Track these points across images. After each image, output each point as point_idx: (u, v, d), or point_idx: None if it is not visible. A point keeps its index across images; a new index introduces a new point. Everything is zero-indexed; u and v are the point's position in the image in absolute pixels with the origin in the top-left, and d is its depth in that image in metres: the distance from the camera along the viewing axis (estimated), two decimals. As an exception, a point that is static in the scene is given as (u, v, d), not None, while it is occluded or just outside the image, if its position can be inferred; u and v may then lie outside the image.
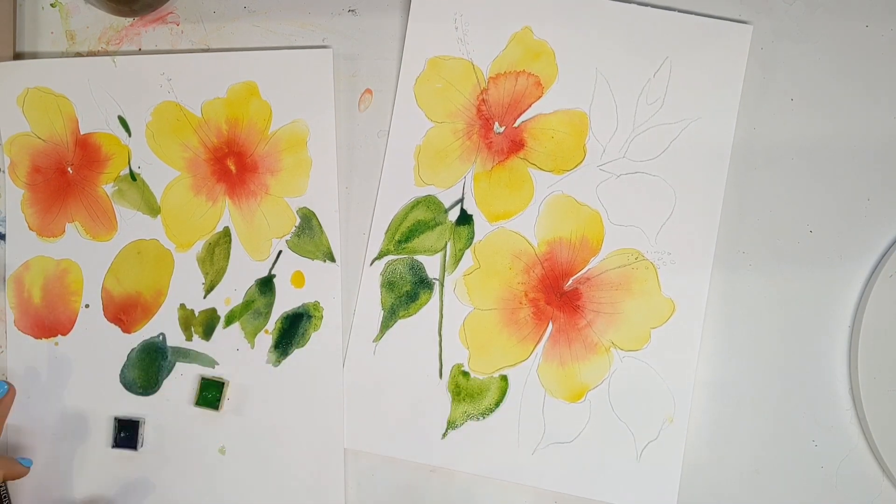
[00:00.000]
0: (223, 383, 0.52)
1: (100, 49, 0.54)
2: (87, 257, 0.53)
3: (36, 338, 0.53)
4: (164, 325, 0.53)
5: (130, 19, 0.54)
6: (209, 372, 0.52)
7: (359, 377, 0.52)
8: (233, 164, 0.53)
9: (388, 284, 0.52)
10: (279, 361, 0.52)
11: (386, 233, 0.52)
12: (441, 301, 0.52)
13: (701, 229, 0.51)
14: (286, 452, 0.52)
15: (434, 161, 0.52)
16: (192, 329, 0.53)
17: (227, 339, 0.53)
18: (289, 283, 0.53)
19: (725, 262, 0.52)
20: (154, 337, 0.53)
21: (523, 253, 0.52)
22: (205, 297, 0.53)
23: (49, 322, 0.53)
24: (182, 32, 0.53)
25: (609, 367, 0.51)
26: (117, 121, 0.53)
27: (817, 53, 0.53)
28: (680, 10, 0.52)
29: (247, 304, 0.53)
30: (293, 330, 0.52)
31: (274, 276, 0.53)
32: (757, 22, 0.53)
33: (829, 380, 0.52)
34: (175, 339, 0.53)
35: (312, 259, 0.53)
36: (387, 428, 0.52)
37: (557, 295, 0.52)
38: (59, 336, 0.53)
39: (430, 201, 0.52)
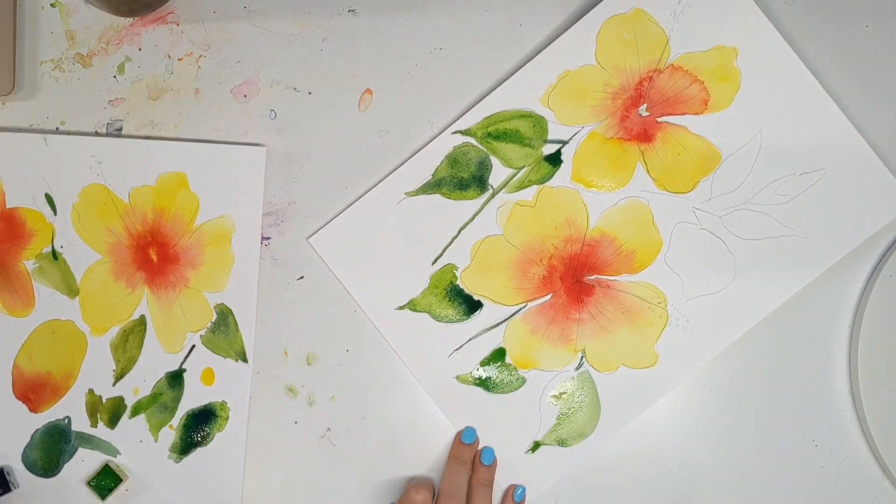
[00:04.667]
0: (121, 480, 0.51)
1: (100, 49, 0.54)
2: (1, 331, 0.52)
3: None
4: (70, 408, 0.52)
5: (130, 19, 0.54)
6: (118, 461, 0.52)
7: (369, 216, 0.52)
8: (155, 254, 0.52)
9: (453, 159, 0.52)
10: (180, 459, 0.52)
11: (485, 118, 0.51)
12: (482, 208, 0.52)
13: (729, 323, 0.51)
14: None
15: (570, 94, 0.51)
16: (99, 416, 0.52)
17: (131, 430, 0.52)
18: (198, 380, 0.52)
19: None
20: (60, 419, 0.52)
21: (577, 224, 0.51)
22: (114, 385, 0.52)
23: (-43, 393, 0.52)
24: (182, 32, 0.53)
25: (566, 365, 0.51)
26: (44, 198, 0.52)
27: (817, 53, 0.53)
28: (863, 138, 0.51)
29: (154, 397, 0.52)
30: (197, 428, 0.52)
31: (184, 370, 0.52)
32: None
33: (829, 380, 0.52)
34: (80, 423, 0.52)
35: (225, 357, 0.52)
36: (360, 279, 0.52)
37: (574, 278, 0.51)
38: None
39: (539, 122, 0.51)
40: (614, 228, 0.51)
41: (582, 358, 0.51)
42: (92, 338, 0.52)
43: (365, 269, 0.52)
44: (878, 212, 0.51)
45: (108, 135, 0.53)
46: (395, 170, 0.52)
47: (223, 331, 0.52)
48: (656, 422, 0.52)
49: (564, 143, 0.51)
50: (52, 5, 0.54)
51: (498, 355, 0.51)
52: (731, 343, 0.51)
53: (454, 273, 0.52)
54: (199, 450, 0.52)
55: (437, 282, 0.52)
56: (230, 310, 0.52)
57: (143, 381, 0.52)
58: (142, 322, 0.52)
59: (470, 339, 0.52)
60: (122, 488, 0.51)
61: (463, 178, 0.52)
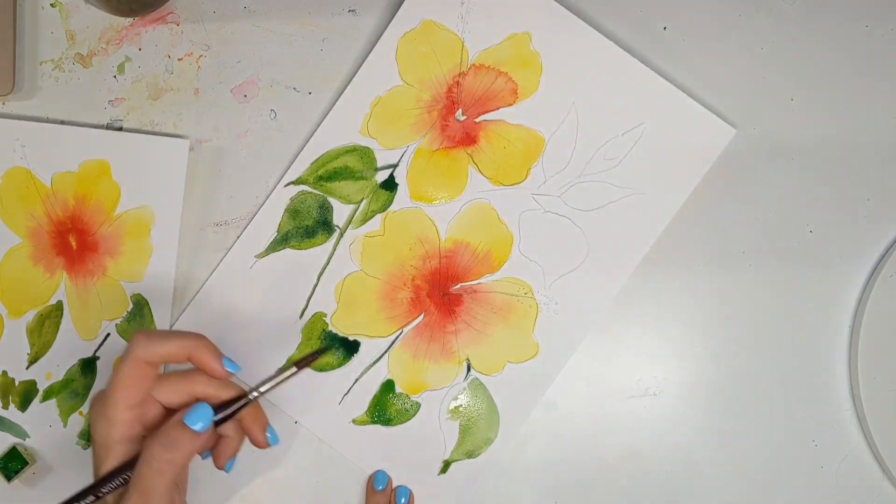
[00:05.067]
0: (28, 463, 0.51)
1: (100, 49, 0.54)
2: None
3: None
4: None
5: (130, 19, 0.54)
6: (26, 443, 0.52)
7: (225, 286, 0.52)
8: (74, 241, 0.52)
9: (293, 212, 0.52)
10: (88, 445, 0.51)
11: (312, 163, 0.52)
12: (334, 250, 0.52)
13: (596, 296, 0.51)
14: None
15: (387, 118, 0.52)
16: (10, 398, 0.52)
17: (41, 414, 0.52)
18: (111, 368, 0.52)
19: (725, 262, 0.52)
20: None
21: (429, 241, 0.52)
22: (27, 368, 0.52)
23: None
24: (182, 32, 0.53)
25: (455, 377, 0.52)
26: None
27: (817, 53, 0.53)
28: (677, 85, 0.51)
29: (66, 382, 0.52)
30: None
31: (98, 357, 0.52)
32: (757, 22, 0.53)
33: (829, 380, 0.52)
34: None
35: None
36: (232, 347, 0.51)
37: (440, 293, 0.52)
38: None
39: (365, 153, 0.52)
40: (464, 234, 0.52)
41: (468, 367, 0.52)
42: (9, 320, 0.52)
43: (237, 340, 0.52)
44: (706, 149, 0.51)
45: (32, 119, 0.53)
46: (238, 237, 0.52)
47: (138, 321, 0.52)
48: (656, 422, 0.52)
49: (394, 166, 0.52)
50: (52, 5, 0.54)
51: (387, 388, 0.52)
52: (602, 314, 0.51)
53: (324, 320, 0.52)
54: None
55: (310, 333, 0.52)
56: (146, 300, 0.52)
57: (56, 366, 0.52)
58: (58, 307, 0.52)
59: (356, 381, 0.52)
60: (28, 471, 0.51)
61: (308, 226, 0.52)
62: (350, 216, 0.52)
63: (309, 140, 0.52)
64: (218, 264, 0.52)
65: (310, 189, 0.52)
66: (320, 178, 0.52)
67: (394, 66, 0.52)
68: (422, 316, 0.52)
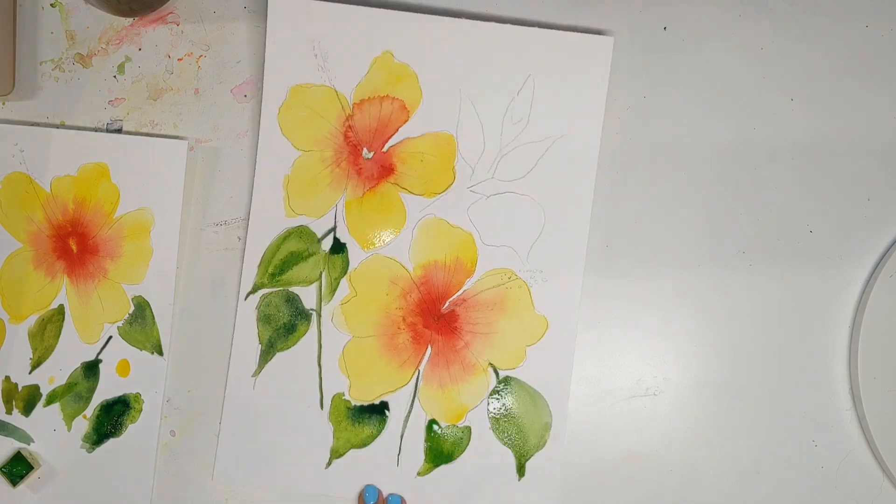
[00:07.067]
0: (33, 467, 0.51)
1: (100, 49, 0.54)
2: None
3: None
4: None
5: (130, 19, 0.54)
6: (31, 448, 0.52)
7: (239, 413, 0.51)
8: (74, 244, 0.52)
9: (265, 318, 0.52)
10: (93, 448, 0.52)
11: (259, 266, 0.52)
12: (319, 331, 0.52)
13: (570, 246, 0.51)
14: None
15: (304, 190, 0.52)
16: (14, 403, 0.52)
17: (45, 419, 0.52)
18: (114, 371, 0.52)
19: (725, 262, 0.52)
20: None
21: (399, 278, 0.52)
22: (30, 373, 0.52)
23: None
24: (182, 32, 0.53)
25: (488, 386, 0.51)
26: None
27: (817, 53, 0.53)
28: (541, 26, 0.51)
29: (69, 386, 0.52)
30: (110, 418, 0.52)
31: (100, 361, 0.52)
32: (757, 22, 0.53)
33: (829, 380, 0.52)
34: None
35: (140, 349, 0.52)
36: (269, 460, 0.51)
37: (435, 318, 0.52)
38: None
39: (302, 231, 0.52)
40: (428, 256, 0.52)
41: (494, 371, 0.52)
42: (10, 325, 0.52)
43: (277, 452, 0.51)
44: (596, 66, 0.51)
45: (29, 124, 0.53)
46: (227, 368, 0.52)
47: (140, 323, 0.52)
48: (656, 422, 0.52)
49: (333, 229, 0.52)
50: (52, 5, 0.54)
51: (432, 428, 0.51)
52: (586, 252, 0.51)
53: (344, 399, 0.52)
54: (111, 440, 0.52)
55: (338, 417, 0.51)
56: (147, 302, 0.52)
57: (59, 370, 0.52)
58: (60, 311, 0.52)
59: (402, 437, 0.51)
60: (33, 475, 0.52)
61: (286, 324, 0.52)
62: (318, 294, 0.52)
63: (245, 246, 0.52)
64: (223, 401, 0.52)
65: (269, 290, 0.52)
66: (273, 275, 0.52)
67: (285, 141, 0.52)
68: (429, 347, 0.52)
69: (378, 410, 0.51)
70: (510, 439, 0.51)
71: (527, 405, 0.51)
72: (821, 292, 0.52)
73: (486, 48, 0.51)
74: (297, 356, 0.52)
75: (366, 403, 0.52)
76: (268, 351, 0.52)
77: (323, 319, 0.52)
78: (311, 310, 0.52)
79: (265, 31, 0.51)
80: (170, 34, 0.53)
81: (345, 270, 0.52)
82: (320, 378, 0.52)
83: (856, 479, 0.52)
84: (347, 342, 0.52)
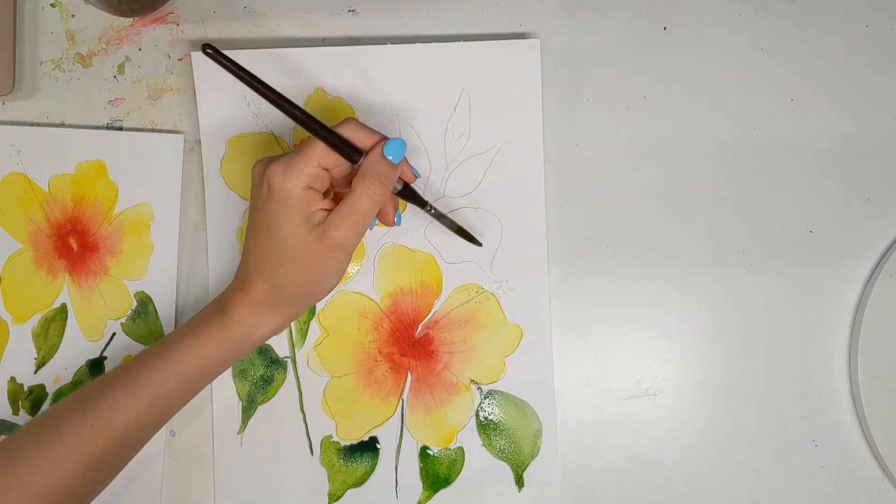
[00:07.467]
0: None
1: (100, 49, 0.54)
2: None
3: None
4: None
5: (130, 19, 0.54)
6: None
7: (231, 473, 0.51)
8: (75, 242, 0.52)
9: (240, 374, 0.52)
10: None
11: None
12: (297, 377, 0.52)
13: (531, 249, 0.52)
14: None
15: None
16: (20, 403, 0.52)
17: None
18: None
19: (725, 262, 0.52)
20: None
21: (368, 311, 0.52)
22: (35, 373, 0.52)
23: None
24: (182, 32, 0.53)
25: (473, 404, 0.51)
26: None
27: (817, 53, 0.53)
28: (466, 39, 0.51)
29: (75, 385, 0.52)
30: None
31: (105, 358, 0.52)
32: (757, 22, 0.53)
33: (829, 380, 0.52)
34: (2, 411, 0.52)
35: (145, 344, 0.52)
36: None
37: (410, 344, 0.52)
38: None
39: None
40: (393, 284, 0.52)
41: (478, 387, 0.52)
42: (14, 326, 0.52)
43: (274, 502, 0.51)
44: (527, 70, 0.51)
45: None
46: (212, 430, 0.51)
47: (143, 318, 0.52)
48: (656, 422, 0.52)
49: None
50: (52, 5, 0.54)
51: (425, 454, 0.51)
52: (545, 250, 0.51)
53: (331, 441, 0.51)
54: None
55: (329, 460, 0.51)
56: (150, 297, 0.52)
57: (64, 368, 0.52)
58: (63, 310, 0.52)
59: (396, 469, 0.51)
60: None
61: (262, 376, 0.52)
62: (290, 340, 0.52)
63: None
64: (214, 464, 0.51)
65: None
66: None
67: (232, 194, 0.52)
68: (409, 375, 0.52)
69: (369, 447, 0.51)
70: (503, 452, 0.51)
71: (514, 415, 0.51)
72: (821, 292, 0.52)
73: (417, 69, 0.52)
74: (279, 406, 0.52)
75: (355, 441, 0.51)
76: (249, 406, 0.52)
77: (299, 365, 0.52)
78: (286, 357, 0.52)
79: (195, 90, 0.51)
80: (170, 34, 0.53)
81: (313, 312, 0.52)
82: (306, 424, 0.51)
83: (856, 479, 0.52)
84: (327, 383, 0.52)
